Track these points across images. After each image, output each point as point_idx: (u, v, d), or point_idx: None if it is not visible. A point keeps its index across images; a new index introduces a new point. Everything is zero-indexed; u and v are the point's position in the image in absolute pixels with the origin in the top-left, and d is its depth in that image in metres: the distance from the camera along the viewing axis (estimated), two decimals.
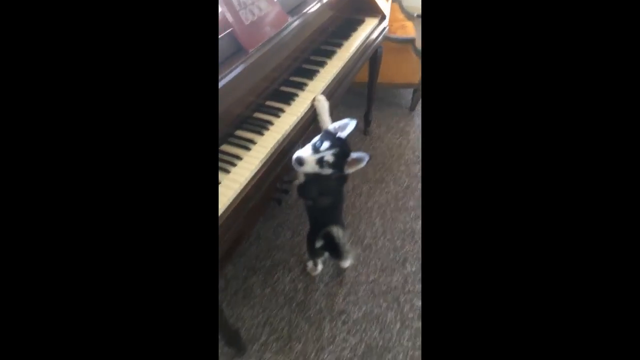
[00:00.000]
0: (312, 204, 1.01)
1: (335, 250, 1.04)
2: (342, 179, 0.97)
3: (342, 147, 0.84)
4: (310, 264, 1.29)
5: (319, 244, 1.06)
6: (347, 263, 1.30)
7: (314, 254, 1.18)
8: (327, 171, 0.85)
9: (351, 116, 0.92)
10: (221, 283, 1.28)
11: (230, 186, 0.77)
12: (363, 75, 1.63)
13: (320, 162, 0.83)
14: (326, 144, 0.83)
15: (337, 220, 1.05)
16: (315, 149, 0.83)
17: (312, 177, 0.90)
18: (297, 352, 1.10)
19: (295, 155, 0.83)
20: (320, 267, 1.28)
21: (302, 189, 0.95)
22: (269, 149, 0.86)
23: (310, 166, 0.83)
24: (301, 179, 0.93)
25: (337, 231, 0.99)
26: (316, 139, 0.85)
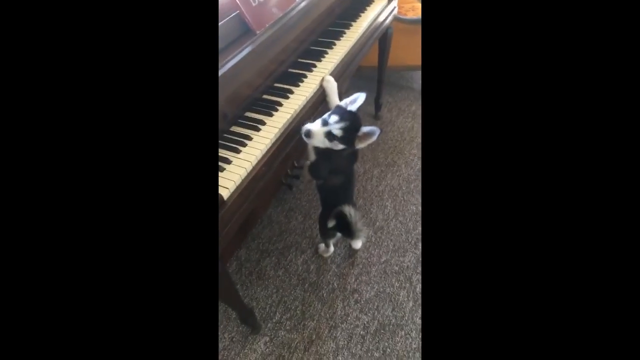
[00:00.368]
0: (323, 183, 1.02)
1: (347, 229, 1.05)
2: (353, 157, 0.97)
3: (351, 121, 0.82)
4: (322, 246, 1.31)
5: (331, 224, 1.07)
6: (358, 244, 1.31)
7: (326, 234, 1.19)
8: (338, 146, 0.85)
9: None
10: (235, 265, 1.32)
11: (241, 165, 0.79)
12: (372, 59, 1.61)
13: (329, 135, 0.82)
14: (335, 118, 0.82)
15: (349, 200, 1.06)
16: (325, 123, 0.83)
17: (322, 156, 0.90)
18: (310, 330, 1.13)
19: (304, 128, 0.84)
20: (331, 248, 1.29)
21: (313, 168, 0.96)
22: (278, 129, 0.88)
23: (319, 139, 0.83)
24: (312, 158, 0.94)
25: (349, 210, 0.99)
26: (328, 113, 0.86)
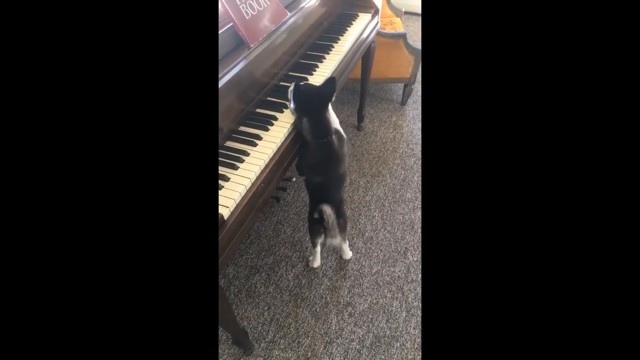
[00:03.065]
0: (307, 179, 1.08)
1: (325, 228, 1.10)
2: (329, 156, 0.99)
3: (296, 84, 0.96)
4: (311, 258, 1.30)
5: (316, 215, 1.10)
6: (347, 255, 1.31)
7: (312, 231, 1.20)
8: (291, 105, 0.95)
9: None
10: (223, 283, 1.26)
11: (240, 182, 0.77)
12: (354, 72, 1.64)
13: (290, 93, 0.94)
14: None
15: (330, 200, 1.07)
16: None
17: (301, 149, 0.99)
18: (305, 347, 1.11)
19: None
20: (318, 254, 1.28)
21: (297, 165, 1.04)
22: (275, 144, 0.86)
23: (289, 97, 0.96)
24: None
25: (327, 209, 1.05)
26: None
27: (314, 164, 1.01)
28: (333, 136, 0.96)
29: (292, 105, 0.93)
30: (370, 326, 1.15)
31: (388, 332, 1.14)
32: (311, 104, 0.92)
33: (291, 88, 0.95)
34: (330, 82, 0.93)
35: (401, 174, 1.66)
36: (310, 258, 1.30)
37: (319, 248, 1.27)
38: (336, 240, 1.17)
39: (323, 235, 1.16)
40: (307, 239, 1.39)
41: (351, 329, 1.15)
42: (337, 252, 1.35)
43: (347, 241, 1.29)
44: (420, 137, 1.87)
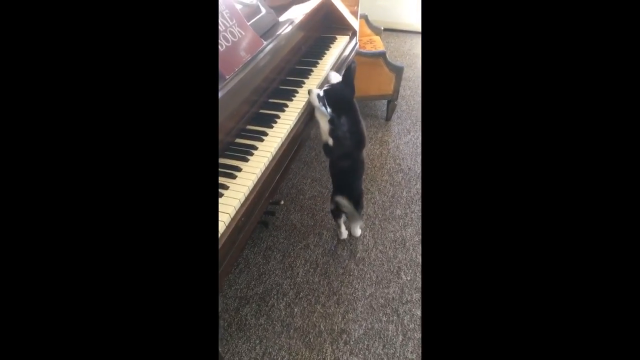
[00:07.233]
0: (335, 164, 1.21)
1: (345, 213, 1.28)
2: (357, 139, 1.14)
3: (331, 86, 1.09)
4: (339, 231, 1.43)
5: (331, 206, 1.29)
6: (357, 232, 1.43)
7: (334, 215, 1.36)
8: (325, 110, 1.05)
9: None
10: None
11: (219, 218, 0.74)
12: None
13: (319, 97, 1.05)
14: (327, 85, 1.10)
15: (350, 189, 1.22)
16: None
17: (333, 137, 1.09)
18: None
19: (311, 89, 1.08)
20: (343, 228, 1.41)
21: (328, 148, 1.14)
22: (255, 175, 0.84)
23: (313, 98, 1.06)
24: (330, 141, 1.11)
25: (342, 201, 1.20)
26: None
27: (347, 148, 1.12)
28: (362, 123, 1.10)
29: (327, 110, 1.03)
30: (367, 353, 1.11)
31: (385, 359, 1.10)
32: (344, 98, 1.04)
33: (316, 94, 1.04)
34: (348, 70, 1.07)
35: (390, 190, 1.65)
36: (339, 231, 1.42)
37: (341, 222, 1.40)
38: (357, 228, 1.40)
39: (344, 214, 1.32)
40: (299, 263, 1.36)
41: (347, 358, 1.10)
42: (330, 275, 1.32)
43: (361, 220, 1.42)
44: (406, 152, 1.87)
